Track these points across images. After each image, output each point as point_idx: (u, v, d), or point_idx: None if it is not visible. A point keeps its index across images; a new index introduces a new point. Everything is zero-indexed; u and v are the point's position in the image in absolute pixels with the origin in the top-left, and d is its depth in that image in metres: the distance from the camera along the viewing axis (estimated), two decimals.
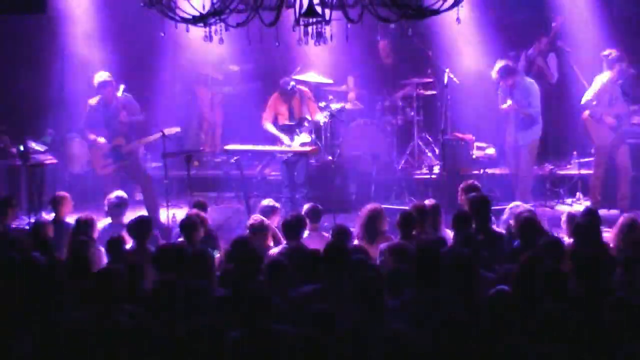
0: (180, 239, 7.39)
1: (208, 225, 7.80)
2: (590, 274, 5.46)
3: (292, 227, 7.11)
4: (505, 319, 4.97)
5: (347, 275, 5.66)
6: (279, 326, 5.03)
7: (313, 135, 10.71)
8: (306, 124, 10.62)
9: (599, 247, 6.57)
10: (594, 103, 10.16)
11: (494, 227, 7.56)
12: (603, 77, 10.19)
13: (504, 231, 7.47)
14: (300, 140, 10.50)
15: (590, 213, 7.31)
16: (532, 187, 10.53)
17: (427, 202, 7.90)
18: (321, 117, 10.80)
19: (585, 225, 6.87)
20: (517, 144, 10.39)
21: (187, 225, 7.36)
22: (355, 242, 7.43)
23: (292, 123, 10.64)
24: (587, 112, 10.27)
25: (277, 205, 8.29)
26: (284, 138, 10.55)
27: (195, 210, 7.87)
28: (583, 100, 10.29)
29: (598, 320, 4.94)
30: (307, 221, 7.54)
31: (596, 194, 10.34)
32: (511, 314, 5.00)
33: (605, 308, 5.00)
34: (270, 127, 10.71)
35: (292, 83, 11.40)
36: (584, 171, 11.21)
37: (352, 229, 7.50)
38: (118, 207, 8.37)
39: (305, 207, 8.03)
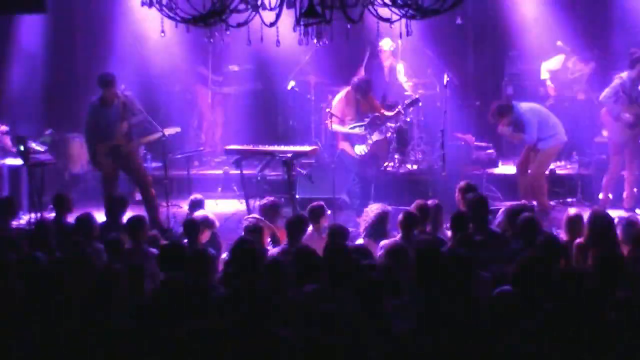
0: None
1: (215, 228, 7.83)
2: (605, 274, 5.49)
3: (294, 227, 7.12)
4: (506, 319, 4.97)
5: (347, 276, 5.66)
6: (279, 327, 5.03)
7: (388, 134, 10.65)
8: (378, 122, 10.51)
9: (613, 247, 6.56)
10: (612, 100, 10.13)
11: (492, 227, 7.56)
12: (623, 75, 10.16)
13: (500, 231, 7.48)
14: (375, 138, 10.45)
15: (602, 213, 7.28)
16: (544, 188, 10.38)
17: (428, 202, 7.91)
18: (394, 111, 10.70)
19: (600, 226, 6.85)
20: (536, 146, 10.31)
21: (190, 226, 7.38)
22: (361, 240, 7.46)
23: (363, 122, 10.52)
24: (604, 109, 10.28)
25: (279, 203, 8.31)
26: (360, 130, 10.47)
27: (203, 213, 7.92)
28: (601, 97, 10.28)
29: (598, 320, 4.94)
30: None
31: (608, 192, 10.31)
32: (512, 314, 5.00)
33: (607, 308, 5.01)
34: (339, 128, 10.53)
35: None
36: (583, 171, 11.22)
37: (351, 229, 7.50)
38: (118, 207, 8.37)
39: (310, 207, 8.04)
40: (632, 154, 10.21)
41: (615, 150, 10.30)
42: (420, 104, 10.99)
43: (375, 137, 10.43)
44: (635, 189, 10.28)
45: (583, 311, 4.99)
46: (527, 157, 10.32)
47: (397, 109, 10.61)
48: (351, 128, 10.42)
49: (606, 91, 10.23)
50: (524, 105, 10.30)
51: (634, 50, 10.27)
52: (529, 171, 10.27)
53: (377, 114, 10.50)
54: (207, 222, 7.73)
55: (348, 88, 10.65)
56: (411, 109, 11.07)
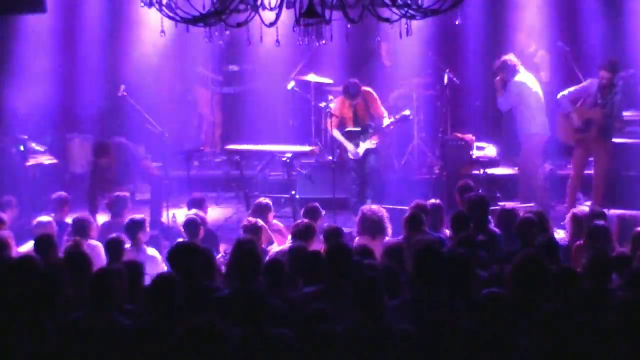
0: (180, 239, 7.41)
1: (207, 224, 7.83)
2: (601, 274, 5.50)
3: (301, 234, 7.12)
4: (500, 319, 4.96)
5: (348, 276, 5.66)
6: (278, 328, 5.02)
7: (374, 141, 10.52)
8: (370, 130, 10.44)
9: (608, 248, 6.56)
10: (565, 97, 10.06)
11: (492, 227, 7.56)
12: (593, 80, 10.04)
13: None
14: (365, 147, 10.37)
15: (596, 213, 7.29)
16: (543, 186, 10.33)
17: (428, 202, 7.93)
18: (387, 120, 10.61)
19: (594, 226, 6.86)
20: (522, 144, 10.33)
21: (189, 224, 7.40)
22: (356, 239, 7.47)
23: (358, 129, 10.45)
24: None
25: (269, 202, 8.31)
26: (349, 146, 10.41)
27: (194, 211, 7.90)
28: (560, 94, 10.17)
29: (597, 321, 4.94)
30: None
31: (598, 194, 10.27)
32: (506, 315, 4.99)
33: (606, 309, 5.01)
34: (336, 134, 10.50)
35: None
36: (585, 171, 11.21)
37: (347, 230, 7.51)
38: (117, 207, 8.38)
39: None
40: (601, 158, 10.09)
41: (574, 152, 10.29)
42: (410, 117, 10.87)
43: (367, 145, 10.38)
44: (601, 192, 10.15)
45: (579, 311, 5.00)
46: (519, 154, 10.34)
47: (388, 122, 10.55)
48: (347, 132, 10.41)
49: (569, 90, 10.17)
50: (521, 76, 10.24)
51: (611, 57, 10.20)
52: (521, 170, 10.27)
53: (367, 122, 10.44)
54: (202, 221, 7.73)
55: None
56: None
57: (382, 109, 10.65)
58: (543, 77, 12.09)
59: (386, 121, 10.47)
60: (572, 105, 10.01)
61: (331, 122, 10.39)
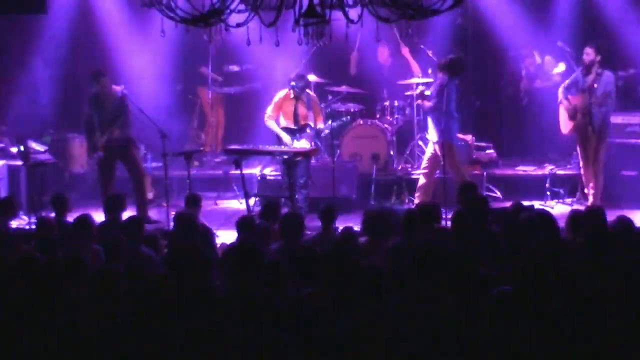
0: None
1: (201, 223, 7.85)
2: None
3: (290, 226, 7.14)
4: (507, 319, 4.97)
5: (347, 275, 5.66)
6: (277, 329, 5.03)
7: (312, 143, 10.61)
8: (308, 130, 10.51)
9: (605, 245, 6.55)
10: (565, 91, 10.30)
11: (491, 226, 7.56)
12: (579, 68, 10.30)
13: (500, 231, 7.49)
14: (299, 145, 10.42)
15: (594, 213, 7.29)
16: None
17: (428, 202, 7.95)
18: (322, 125, 10.69)
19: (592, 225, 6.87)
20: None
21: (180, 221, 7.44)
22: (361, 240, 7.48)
23: (295, 127, 10.53)
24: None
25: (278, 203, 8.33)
26: (285, 137, 10.47)
27: (186, 209, 7.96)
28: (560, 88, 10.46)
29: (600, 321, 4.95)
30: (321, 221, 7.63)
31: (596, 192, 10.28)
32: (513, 314, 5.00)
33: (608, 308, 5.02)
34: (272, 125, 10.59)
35: (293, 83, 11.39)
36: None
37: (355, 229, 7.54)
38: (116, 206, 8.37)
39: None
40: (599, 152, 10.16)
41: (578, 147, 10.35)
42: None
43: (301, 144, 10.40)
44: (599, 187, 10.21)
45: (580, 310, 5.01)
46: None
47: (322, 127, 10.64)
48: (284, 128, 10.48)
49: (565, 83, 10.40)
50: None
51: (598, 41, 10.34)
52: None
53: (307, 123, 10.47)
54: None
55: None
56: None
57: (322, 117, 10.76)
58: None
59: (320, 125, 10.58)
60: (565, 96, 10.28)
61: (266, 111, 10.54)
